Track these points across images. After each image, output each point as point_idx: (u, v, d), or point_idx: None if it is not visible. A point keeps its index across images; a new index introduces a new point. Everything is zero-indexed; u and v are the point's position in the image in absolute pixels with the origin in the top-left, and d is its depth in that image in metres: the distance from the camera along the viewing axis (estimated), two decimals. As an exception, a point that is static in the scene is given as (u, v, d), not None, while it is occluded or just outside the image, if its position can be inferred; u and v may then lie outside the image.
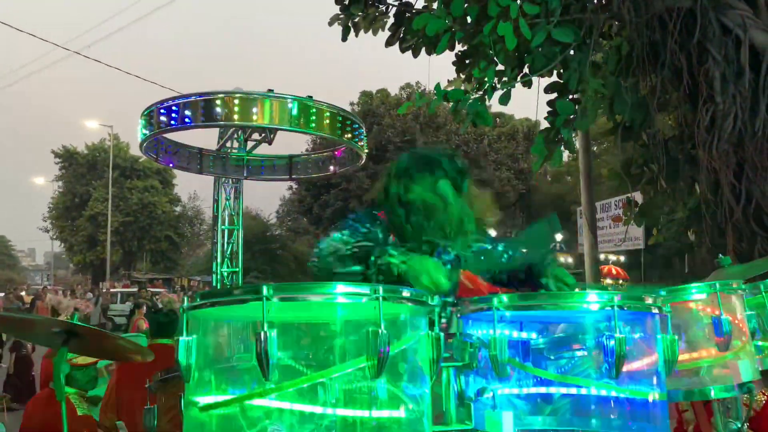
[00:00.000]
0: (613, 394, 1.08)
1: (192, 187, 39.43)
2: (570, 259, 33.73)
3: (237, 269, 7.85)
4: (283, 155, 8.90)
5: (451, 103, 6.05)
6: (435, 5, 5.49)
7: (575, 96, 6.39)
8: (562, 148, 6.62)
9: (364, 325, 0.99)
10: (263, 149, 8.26)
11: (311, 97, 6.72)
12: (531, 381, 1.14)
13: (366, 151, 7.91)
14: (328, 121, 6.60)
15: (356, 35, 7.76)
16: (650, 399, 1.12)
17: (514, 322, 1.19)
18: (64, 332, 2.07)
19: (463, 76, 7.14)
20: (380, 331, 0.98)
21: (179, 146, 8.26)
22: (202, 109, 6.32)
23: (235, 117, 6.31)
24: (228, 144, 8.06)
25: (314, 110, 6.60)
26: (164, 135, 7.39)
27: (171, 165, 8.74)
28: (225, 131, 7.71)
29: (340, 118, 6.80)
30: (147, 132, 6.77)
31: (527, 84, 7.01)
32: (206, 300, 1.04)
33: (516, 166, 38.33)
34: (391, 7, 7.31)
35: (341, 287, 1.01)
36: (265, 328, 0.93)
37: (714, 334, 1.39)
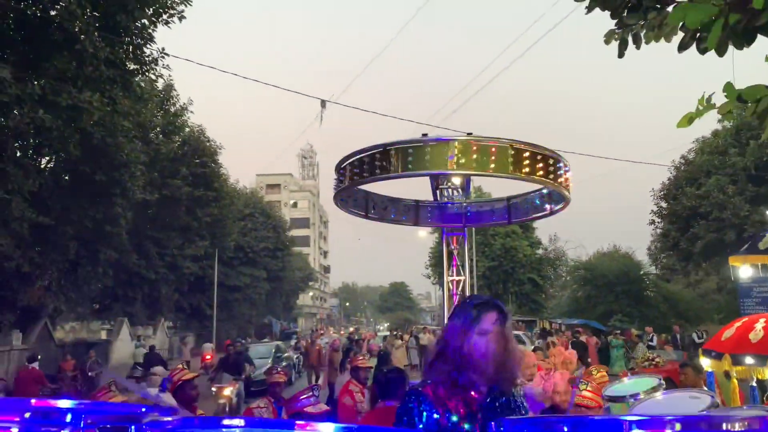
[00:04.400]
0: None
1: (552, 230, 39.84)
2: None
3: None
4: (501, 198, 8.20)
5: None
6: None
7: None
8: None
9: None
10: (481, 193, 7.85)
11: (471, 133, 6.02)
12: None
13: (569, 188, 6.59)
14: (511, 159, 5.73)
15: (638, 48, 6.71)
16: None
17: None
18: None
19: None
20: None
21: (390, 200, 8.36)
22: (391, 159, 6.28)
23: (427, 165, 6.09)
24: (444, 193, 7.85)
25: (483, 149, 5.84)
26: (370, 190, 7.55)
27: (383, 220, 8.73)
28: (439, 180, 7.54)
29: (527, 154, 5.85)
30: (339, 186, 7.05)
31: None
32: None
33: None
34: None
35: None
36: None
37: None
